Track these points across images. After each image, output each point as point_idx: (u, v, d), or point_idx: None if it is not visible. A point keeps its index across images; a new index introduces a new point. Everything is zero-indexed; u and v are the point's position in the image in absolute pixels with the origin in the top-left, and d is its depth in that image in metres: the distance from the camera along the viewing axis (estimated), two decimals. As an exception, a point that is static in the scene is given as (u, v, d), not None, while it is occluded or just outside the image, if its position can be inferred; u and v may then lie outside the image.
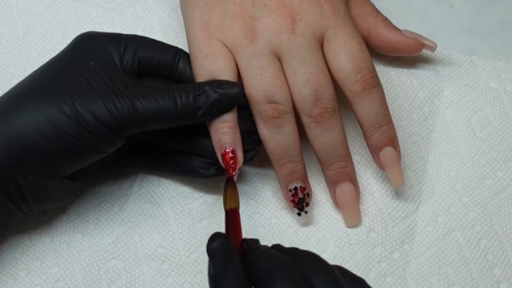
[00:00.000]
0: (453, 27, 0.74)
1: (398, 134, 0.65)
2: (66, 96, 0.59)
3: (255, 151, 0.65)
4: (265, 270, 0.53)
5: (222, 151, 0.63)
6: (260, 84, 0.63)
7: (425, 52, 0.70)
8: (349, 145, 0.65)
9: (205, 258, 0.66)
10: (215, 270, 0.53)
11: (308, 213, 0.65)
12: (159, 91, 0.61)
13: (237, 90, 0.62)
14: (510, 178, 0.68)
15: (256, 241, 0.57)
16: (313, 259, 0.54)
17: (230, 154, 0.62)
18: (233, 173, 0.63)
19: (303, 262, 0.53)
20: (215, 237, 0.54)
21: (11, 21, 0.73)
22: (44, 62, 0.63)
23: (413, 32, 0.69)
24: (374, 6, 0.69)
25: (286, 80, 0.63)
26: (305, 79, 0.63)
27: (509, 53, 0.73)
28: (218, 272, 0.53)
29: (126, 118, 0.59)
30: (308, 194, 0.65)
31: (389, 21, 0.69)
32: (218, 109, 0.62)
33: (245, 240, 0.57)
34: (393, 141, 0.64)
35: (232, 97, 0.62)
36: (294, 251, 0.55)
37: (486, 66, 0.72)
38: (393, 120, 0.65)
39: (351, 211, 0.66)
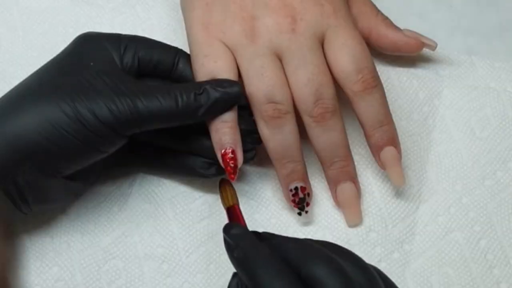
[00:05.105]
0: (453, 27, 0.74)
1: (398, 134, 0.65)
2: (67, 96, 0.59)
3: (255, 150, 0.66)
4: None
5: (222, 151, 0.63)
6: (260, 84, 0.63)
7: (425, 52, 0.70)
8: (349, 145, 0.65)
9: (205, 258, 0.66)
10: (245, 253, 0.53)
11: (308, 213, 0.65)
12: (160, 90, 0.61)
13: (238, 89, 0.62)
14: (510, 178, 0.68)
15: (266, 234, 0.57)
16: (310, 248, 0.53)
17: (230, 155, 0.63)
18: (233, 176, 0.63)
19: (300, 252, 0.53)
20: (230, 225, 0.55)
21: (11, 21, 0.73)
22: (44, 62, 0.63)
23: (413, 31, 0.69)
24: (374, 6, 0.69)
25: (287, 79, 0.63)
26: (306, 79, 0.63)
27: (509, 53, 0.73)
28: (250, 254, 0.52)
29: (127, 117, 0.59)
30: (308, 194, 0.65)
31: (389, 20, 0.69)
32: (219, 108, 0.62)
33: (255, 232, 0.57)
34: (394, 141, 0.65)
35: (233, 95, 0.62)
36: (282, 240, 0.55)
37: (486, 66, 0.72)
38: (393, 120, 0.65)
39: (352, 211, 0.66)
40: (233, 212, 0.61)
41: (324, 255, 0.52)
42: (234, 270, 0.65)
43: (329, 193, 0.67)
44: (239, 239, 0.54)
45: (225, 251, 0.55)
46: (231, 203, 0.62)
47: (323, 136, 0.63)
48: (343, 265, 0.52)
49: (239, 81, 0.63)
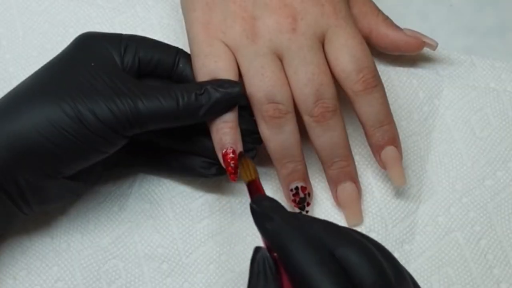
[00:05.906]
0: (453, 27, 0.74)
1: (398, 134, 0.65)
2: (67, 96, 0.59)
3: (255, 150, 0.66)
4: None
5: (223, 152, 0.63)
6: (261, 84, 0.63)
7: (425, 52, 0.70)
8: (350, 145, 0.65)
9: (205, 258, 0.66)
10: (279, 225, 0.52)
11: (309, 212, 0.66)
12: (161, 90, 0.61)
13: (239, 89, 0.62)
14: (510, 178, 0.68)
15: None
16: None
17: (231, 155, 0.63)
18: (234, 176, 0.63)
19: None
20: (261, 197, 0.56)
21: (11, 21, 0.73)
22: (44, 62, 0.63)
23: (414, 31, 0.69)
24: (375, 5, 0.69)
25: (287, 79, 0.63)
26: (306, 79, 0.63)
27: (509, 53, 0.73)
28: (284, 226, 0.52)
29: (127, 117, 0.59)
30: (309, 194, 0.65)
31: (390, 20, 0.69)
32: (220, 108, 0.62)
33: None
34: (394, 140, 0.65)
35: (234, 95, 0.62)
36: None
37: (486, 66, 0.72)
38: (394, 120, 0.65)
39: (352, 211, 0.66)
40: (255, 186, 0.60)
41: (358, 240, 0.52)
42: (233, 269, 0.65)
43: (329, 193, 0.67)
44: (272, 211, 0.54)
45: (254, 223, 0.55)
46: (253, 177, 0.61)
47: (323, 136, 0.63)
48: (376, 252, 0.51)
49: (240, 81, 0.63)
